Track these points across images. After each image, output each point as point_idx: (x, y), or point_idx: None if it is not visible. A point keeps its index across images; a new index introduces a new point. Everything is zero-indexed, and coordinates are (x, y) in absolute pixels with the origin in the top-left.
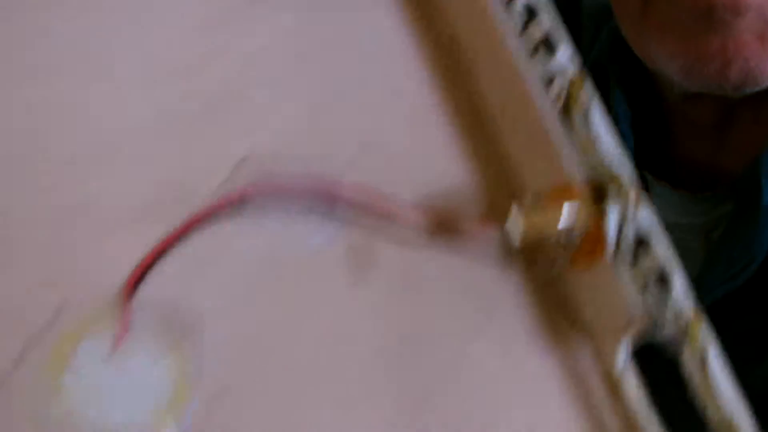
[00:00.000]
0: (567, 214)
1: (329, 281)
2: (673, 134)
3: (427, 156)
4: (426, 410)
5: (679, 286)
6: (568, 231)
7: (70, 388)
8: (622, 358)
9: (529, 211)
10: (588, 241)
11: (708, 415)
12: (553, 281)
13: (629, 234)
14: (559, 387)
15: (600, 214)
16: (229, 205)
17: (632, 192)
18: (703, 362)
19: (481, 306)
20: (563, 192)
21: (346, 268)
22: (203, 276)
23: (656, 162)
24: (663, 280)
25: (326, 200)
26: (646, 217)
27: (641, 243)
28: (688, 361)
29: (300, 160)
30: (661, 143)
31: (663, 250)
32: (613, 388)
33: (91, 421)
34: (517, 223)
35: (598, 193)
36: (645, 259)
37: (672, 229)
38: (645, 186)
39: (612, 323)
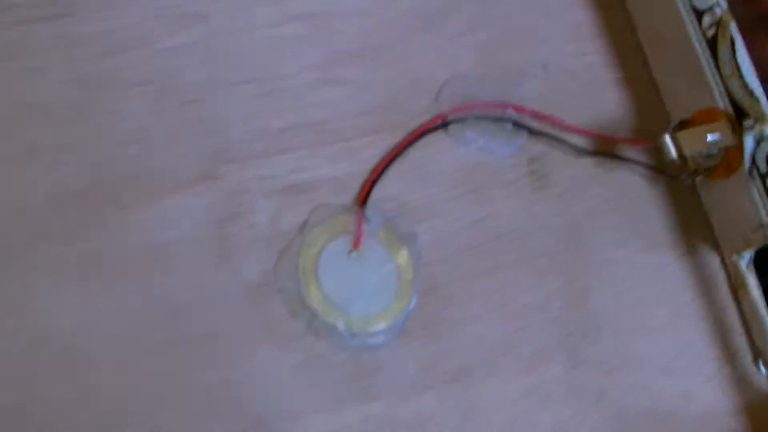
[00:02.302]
0: (713, 133)
1: (516, 186)
2: None
3: (590, 82)
4: (580, 299)
5: None
6: (712, 146)
7: (322, 280)
8: (745, 262)
9: (680, 129)
10: (727, 156)
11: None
12: (693, 191)
13: (764, 152)
14: (691, 288)
15: (740, 134)
16: (435, 124)
17: None
18: None
19: (631, 217)
20: (709, 114)
21: (528, 175)
22: (418, 186)
23: None
24: None
25: (512, 119)
26: None
27: None
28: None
29: (491, 84)
30: None
31: None
32: (737, 290)
33: (338, 306)
34: (670, 139)
35: (739, 115)
36: None
37: None
38: None
39: (740, 229)
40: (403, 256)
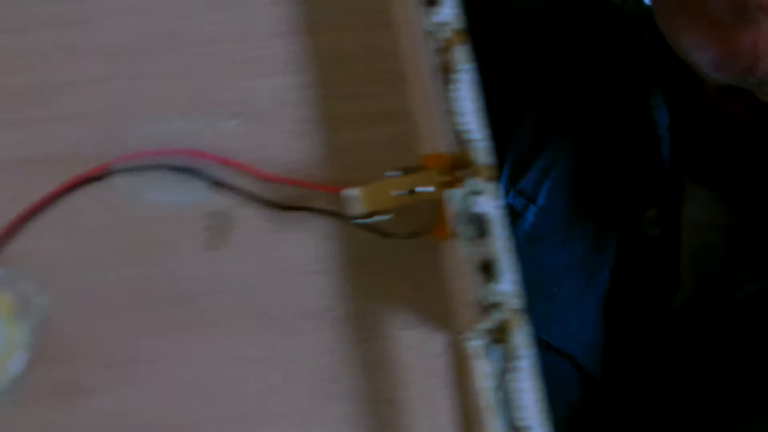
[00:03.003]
0: (415, 186)
1: (186, 243)
2: (708, 135)
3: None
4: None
5: (506, 279)
6: (407, 202)
7: None
8: (476, 343)
9: (374, 183)
10: (442, 214)
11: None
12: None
13: (470, 214)
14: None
15: (449, 189)
16: (97, 174)
17: (485, 172)
18: (513, 364)
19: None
20: (436, 160)
21: (205, 231)
22: (65, 243)
23: (692, 165)
24: (488, 269)
25: (192, 167)
26: (489, 202)
27: (481, 227)
28: (498, 357)
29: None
30: (696, 145)
31: (498, 241)
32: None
33: None
34: (356, 193)
35: (455, 166)
36: (481, 244)
37: (707, 228)
38: (681, 188)
39: (460, 304)
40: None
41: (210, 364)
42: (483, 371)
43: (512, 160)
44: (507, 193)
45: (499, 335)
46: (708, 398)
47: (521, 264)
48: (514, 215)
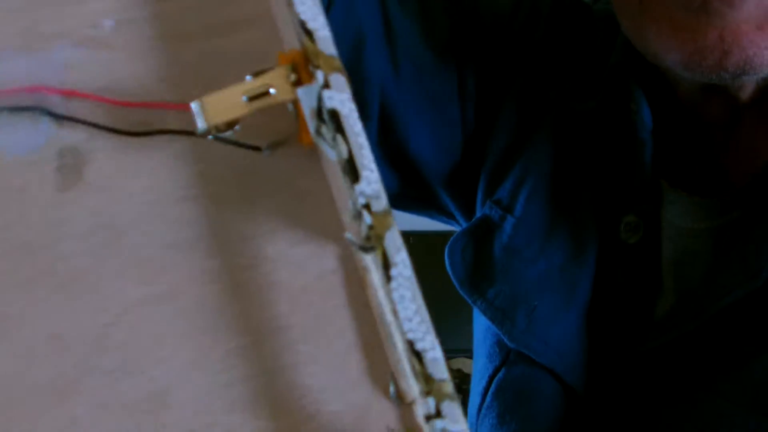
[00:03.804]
0: (261, 88)
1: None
2: (687, 138)
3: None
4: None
5: (365, 179)
6: (253, 109)
7: None
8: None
9: (219, 91)
10: (301, 116)
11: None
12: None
13: (323, 111)
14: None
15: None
16: None
17: (329, 63)
18: (387, 270)
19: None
20: (287, 57)
21: (55, 172)
22: None
23: (671, 169)
24: (352, 170)
25: (34, 105)
26: (337, 96)
27: (336, 124)
28: (371, 265)
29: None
30: (675, 149)
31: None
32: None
33: None
34: (198, 105)
35: (303, 62)
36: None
37: (687, 234)
38: (659, 192)
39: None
40: None
41: (81, 313)
42: (372, 283)
43: (488, 170)
44: (483, 203)
45: (369, 242)
46: (692, 409)
47: (500, 277)
48: (492, 227)
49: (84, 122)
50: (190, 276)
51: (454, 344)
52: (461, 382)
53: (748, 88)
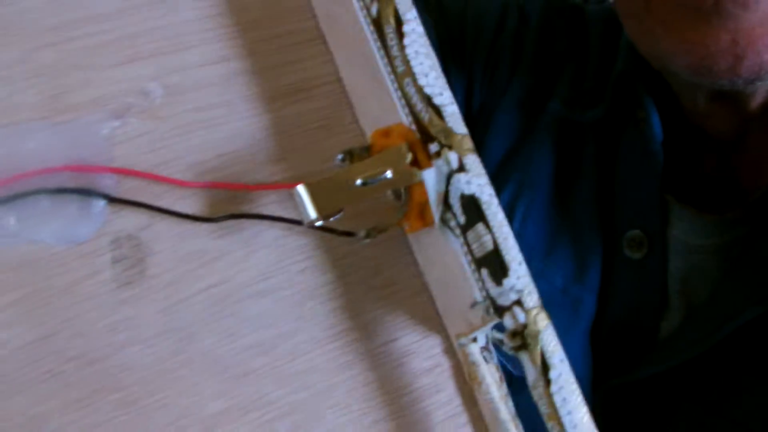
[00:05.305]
0: (377, 169)
1: (92, 284)
2: (693, 151)
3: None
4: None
5: (514, 272)
6: (378, 190)
7: None
8: (478, 346)
9: (354, 161)
10: (416, 198)
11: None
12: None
13: (459, 191)
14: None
15: (424, 165)
16: None
17: (462, 143)
18: (545, 371)
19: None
20: (390, 135)
21: (112, 265)
22: None
23: (679, 185)
24: (490, 262)
25: (80, 186)
26: (476, 181)
27: (471, 211)
28: (527, 365)
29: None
30: (681, 162)
31: (496, 227)
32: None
33: None
34: (304, 193)
35: (417, 145)
36: (474, 232)
37: (694, 250)
38: (665, 207)
39: (459, 305)
40: None
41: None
42: (490, 380)
43: None
44: None
45: (519, 340)
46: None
47: None
48: None
49: (144, 205)
50: (276, 382)
51: None
52: None
53: (758, 96)
